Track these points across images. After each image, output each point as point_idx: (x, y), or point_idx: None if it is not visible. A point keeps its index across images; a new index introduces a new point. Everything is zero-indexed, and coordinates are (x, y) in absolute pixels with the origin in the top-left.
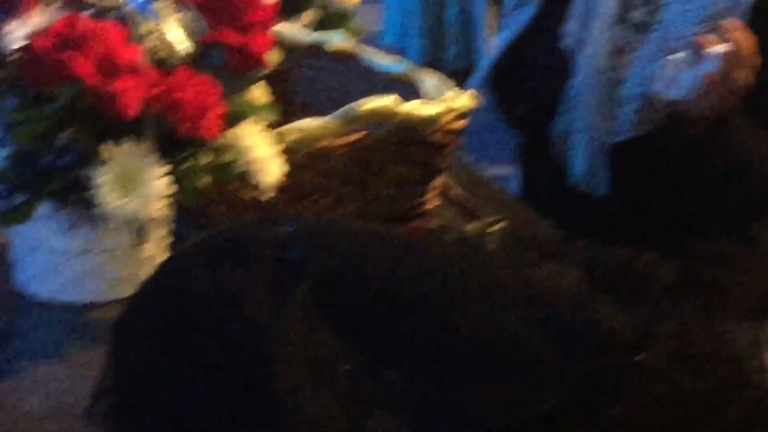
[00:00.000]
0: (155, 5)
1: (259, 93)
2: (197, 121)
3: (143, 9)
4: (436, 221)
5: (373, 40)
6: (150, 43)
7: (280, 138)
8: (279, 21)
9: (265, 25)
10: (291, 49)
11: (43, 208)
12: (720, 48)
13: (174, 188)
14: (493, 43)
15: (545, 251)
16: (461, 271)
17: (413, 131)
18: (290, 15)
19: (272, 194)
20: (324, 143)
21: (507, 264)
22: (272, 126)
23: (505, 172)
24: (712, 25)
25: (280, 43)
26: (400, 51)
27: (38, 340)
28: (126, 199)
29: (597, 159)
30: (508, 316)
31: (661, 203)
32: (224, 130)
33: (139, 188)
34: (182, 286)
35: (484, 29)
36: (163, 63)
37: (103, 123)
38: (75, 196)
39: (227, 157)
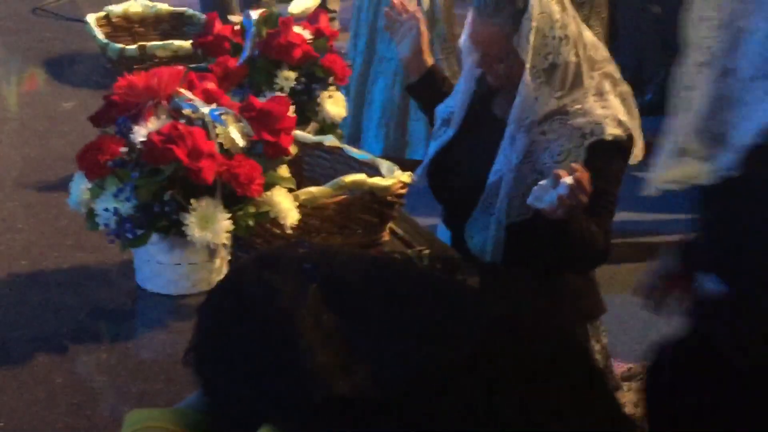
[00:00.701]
0: (223, 117)
1: (283, 170)
2: (247, 187)
3: (216, 119)
4: (389, 248)
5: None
6: (220, 139)
7: (296, 198)
8: (295, 128)
9: (288, 130)
10: (302, 145)
11: (154, 237)
12: (569, 179)
13: (232, 226)
14: (427, 148)
15: (450, 265)
16: (407, 274)
17: (375, 195)
18: (301, 125)
19: (291, 231)
20: (322, 201)
21: (430, 272)
22: (291, 190)
23: (431, 221)
24: (565, 163)
25: (296, 141)
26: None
27: (151, 317)
28: (204, 233)
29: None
30: (431, 301)
31: (532, 258)
32: (263, 192)
33: (212, 226)
34: (239, 286)
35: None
36: (227, 151)
37: (191, 186)
38: (173, 230)
39: (264, 208)
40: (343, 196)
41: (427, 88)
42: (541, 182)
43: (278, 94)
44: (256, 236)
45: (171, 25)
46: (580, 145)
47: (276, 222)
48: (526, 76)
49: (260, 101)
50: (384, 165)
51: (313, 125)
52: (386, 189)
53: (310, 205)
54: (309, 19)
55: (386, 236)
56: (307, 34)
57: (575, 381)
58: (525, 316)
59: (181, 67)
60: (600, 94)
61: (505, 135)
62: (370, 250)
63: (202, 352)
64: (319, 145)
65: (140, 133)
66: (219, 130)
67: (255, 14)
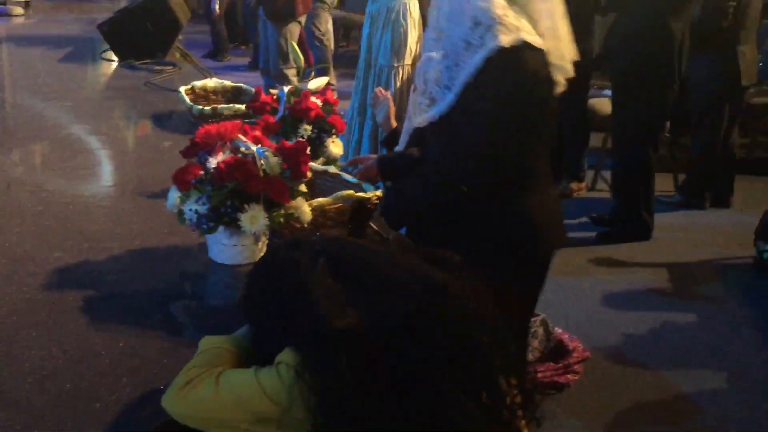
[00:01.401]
0: (265, 153)
1: (302, 187)
2: (279, 197)
3: (261, 154)
4: (369, 237)
5: None
6: (263, 167)
7: (310, 204)
8: (310, 161)
9: (305, 162)
10: (314, 172)
11: (221, 228)
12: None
13: (269, 222)
14: None
15: (407, 248)
16: (387, 250)
17: (360, 203)
18: (314, 159)
19: (307, 225)
20: (327, 207)
21: (398, 249)
22: (307, 200)
23: None
24: None
25: (311, 169)
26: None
27: (219, 280)
28: (252, 226)
29: None
30: (395, 268)
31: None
32: (289, 200)
33: (257, 221)
34: (273, 259)
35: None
36: (267, 175)
37: (244, 197)
38: (233, 224)
39: (290, 211)
40: (340, 204)
41: (392, 140)
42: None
43: (300, 139)
44: (284, 228)
45: (233, 94)
46: None
47: (297, 219)
48: None
49: (288, 144)
50: (366, 185)
51: (321, 159)
52: (368, 200)
53: (319, 209)
54: (320, 92)
55: (368, 229)
56: (318, 102)
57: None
58: (454, 282)
59: (239, 121)
60: None
61: None
62: (357, 239)
63: (249, 300)
64: (325, 172)
65: (212, 162)
66: (262, 161)
67: (286, 89)
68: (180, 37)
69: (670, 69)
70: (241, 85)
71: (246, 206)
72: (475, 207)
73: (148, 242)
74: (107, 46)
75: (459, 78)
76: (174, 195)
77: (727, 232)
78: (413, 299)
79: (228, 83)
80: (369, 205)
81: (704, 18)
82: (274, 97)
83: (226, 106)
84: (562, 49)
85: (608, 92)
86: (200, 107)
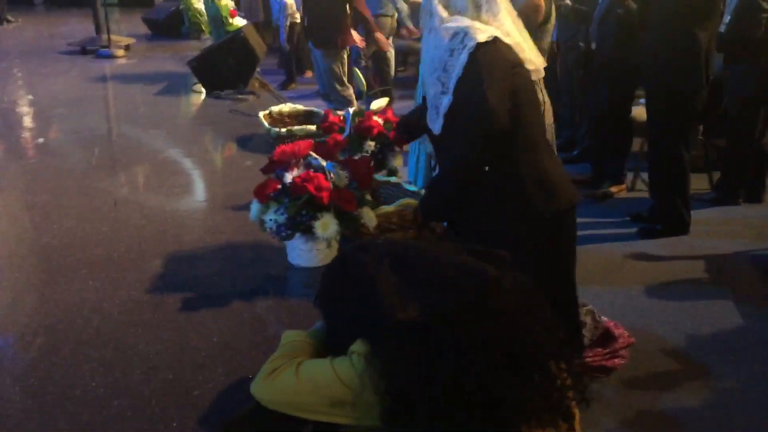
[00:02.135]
0: (335, 167)
1: (368, 196)
2: (347, 206)
3: (331, 168)
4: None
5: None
6: (333, 180)
7: (375, 212)
8: (374, 173)
9: (370, 175)
10: (378, 182)
11: (297, 235)
12: None
13: (339, 228)
14: None
15: (461, 247)
16: (442, 249)
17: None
18: (377, 171)
19: (373, 230)
20: (390, 213)
21: (452, 248)
22: (372, 207)
23: None
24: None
25: (375, 180)
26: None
27: (298, 280)
28: (324, 232)
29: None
30: (450, 266)
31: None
32: (357, 208)
33: (329, 228)
34: (344, 261)
35: None
36: (337, 187)
37: (317, 207)
38: (308, 231)
39: (358, 218)
40: (401, 210)
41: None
42: None
43: (364, 155)
44: (353, 233)
45: (305, 117)
46: None
47: (365, 225)
48: None
49: (355, 159)
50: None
51: (384, 171)
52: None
53: (384, 215)
54: (382, 112)
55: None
56: (380, 121)
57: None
58: (505, 276)
59: (310, 141)
60: None
61: None
62: (417, 240)
63: (323, 297)
64: (387, 182)
65: (288, 177)
66: (332, 175)
67: (351, 110)
68: (258, 69)
69: (698, 75)
70: (312, 108)
71: (319, 215)
72: (491, 180)
73: (236, 249)
74: (196, 80)
75: (451, 79)
76: (256, 207)
77: (761, 225)
78: (467, 292)
79: (301, 107)
80: None
81: (738, 29)
82: (341, 117)
83: (299, 127)
84: (523, 46)
85: (644, 101)
86: (277, 130)
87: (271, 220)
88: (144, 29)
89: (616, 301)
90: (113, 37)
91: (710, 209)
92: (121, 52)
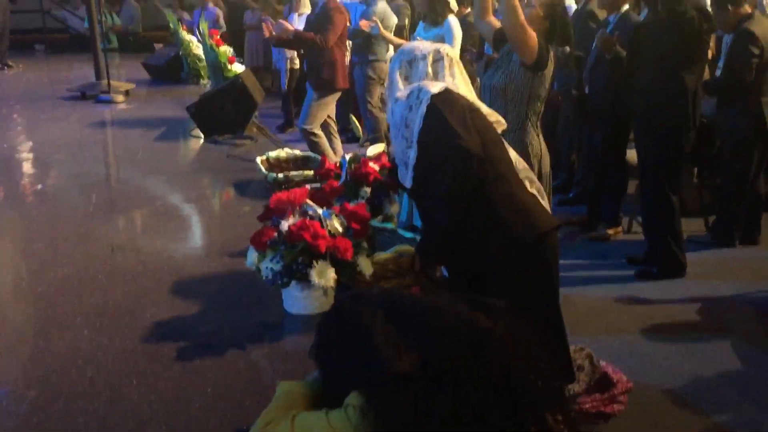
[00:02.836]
0: (331, 215)
1: (364, 244)
2: (344, 254)
3: (327, 216)
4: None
5: None
6: (329, 228)
7: (372, 259)
8: (371, 219)
9: (366, 222)
10: (374, 229)
11: (293, 282)
12: None
13: (335, 276)
14: None
15: (456, 297)
16: (436, 299)
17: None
18: (374, 217)
19: (369, 278)
20: (386, 260)
21: (447, 298)
22: (368, 255)
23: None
24: None
25: (371, 227)
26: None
27: (293, 326)
28: (321, 280)
29: None
30: (444, 316)
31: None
32: (353, 256)
33: (325, 276)
34: (340, 311)
35: None
36: (333, 234)
37: (313, 254)
38: (304, 279)
39: (354, 266)
40: (397, 257)
41: None
42: None
43: (360, 201)
44: (349, 281)
45: (302, 162)
46: None
47: (361, 273)
48: None
49: (351, 206)
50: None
51: (380, 217)
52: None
53: (379, 263)
54: (377, 158)
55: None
56: (376, 167)
57: None
58: (497, 325)
59: (306, 188)
60: None
61: None
62: (412, 289)
63: (319, 349)
64: (384, 229)
65: (284, 225)
66: (328, 222)
67: (347, 156)
68: (256, 113)
69: (685, 117)
70: (309, 154)
71: (315, 263)
72: (475, 212)
73: (232, 296)
74: (194, 125)
75: (414, 132)
76: (252, 254)
77: (757, 267)
78: (459, 343)
79: (298, 152)
80: None
81: (729, 73)
82: (337, 164)
83: (296, 173)
84: (478, 104)
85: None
86: (274, 175)
87: (267, 268)
88: (144, 74)
89: (613, 345)
90: (113, 82)
91: (706, 251)
92: (120, 98)
